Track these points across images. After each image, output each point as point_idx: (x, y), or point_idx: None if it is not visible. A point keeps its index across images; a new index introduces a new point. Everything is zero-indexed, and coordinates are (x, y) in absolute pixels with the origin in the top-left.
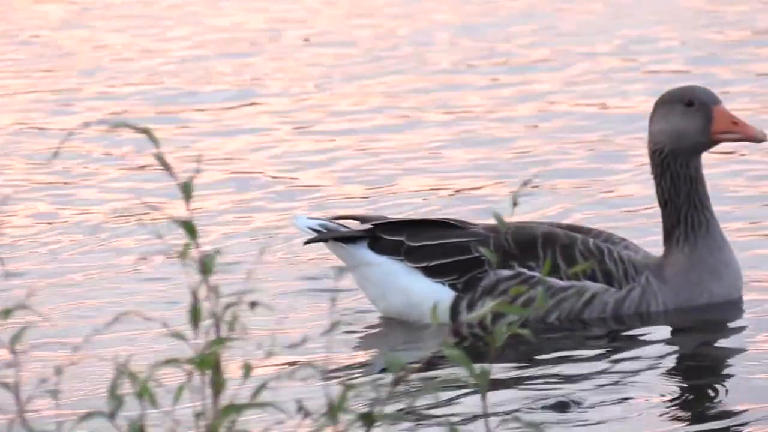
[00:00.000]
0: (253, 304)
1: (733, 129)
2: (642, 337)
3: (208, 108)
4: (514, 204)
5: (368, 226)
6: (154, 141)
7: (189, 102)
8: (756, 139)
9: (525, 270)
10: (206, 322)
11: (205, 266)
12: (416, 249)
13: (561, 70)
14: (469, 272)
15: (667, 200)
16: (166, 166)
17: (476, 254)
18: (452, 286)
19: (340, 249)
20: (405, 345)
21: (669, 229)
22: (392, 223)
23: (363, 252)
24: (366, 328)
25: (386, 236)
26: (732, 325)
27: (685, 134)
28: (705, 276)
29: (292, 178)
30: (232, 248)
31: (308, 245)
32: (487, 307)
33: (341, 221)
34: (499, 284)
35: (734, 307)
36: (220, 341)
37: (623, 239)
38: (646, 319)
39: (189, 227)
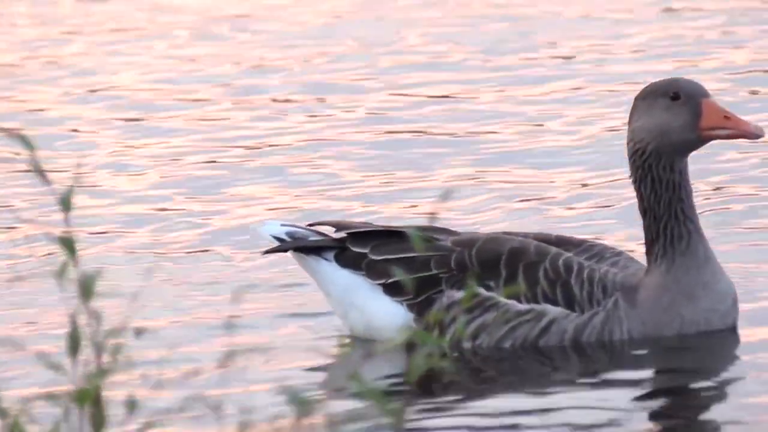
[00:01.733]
0: (139, 331)
1: (724, 124)
2: (599, 373)
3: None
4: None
5: (341, 234)
6: (29, 146)
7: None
8: (751, 134)
9: (482, 290)
10: (86, 351)
11: (86, 288)
12: (378, 263)
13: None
14: (425, 292)
15: (646, 209)
16: (42, 175)
17: (435, 271)
18: (409, 307)
19: (301, 260)
20: (318, 374)
21: (649, 243)
22: (364, 233)
23: (323, 265)
24: (293, 352)
25: (352, 247)
26: (709, 362)
27: (671, 131)
28: (677, 299)
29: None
30: (124, 269)
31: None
32: (399, 336)
33: (318, 228)
34: (451, 308)
35: (719, 339)
36: (101, 373)
37: (620, 254)
38: (609, 349)
39: (67, 243)
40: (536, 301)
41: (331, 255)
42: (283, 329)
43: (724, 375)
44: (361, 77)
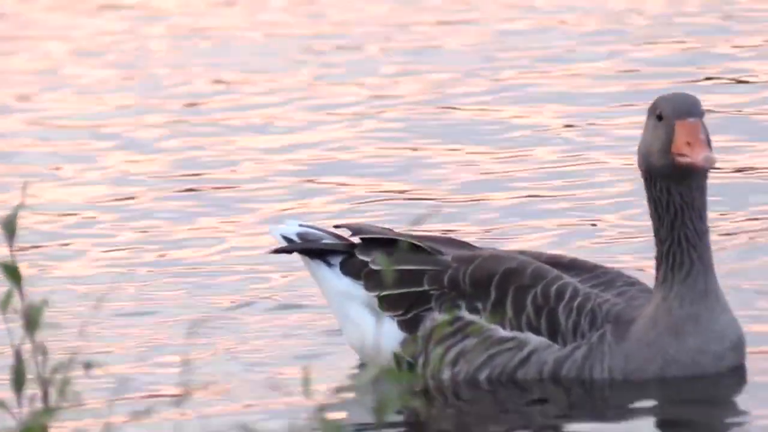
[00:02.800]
0: (88, 366)
1: (685, 151)
2: (571, 415)
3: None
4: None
5: (355, 239)
6: None
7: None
8: (699, 165)
9: (466, 314)
10: (31, 388)
11: (31, 320)
12: (376, 273)
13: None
14: (415, 308)
15: (654, 231)
16: None
17: (427, 287)
18: (399, 324)
19: (307, 263)
20: (280, 413)
21: (657, 268)
22: (377, 240)
23: (325, 270)
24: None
25: (359, 255)
26: (691, 412)
27: (652, 154)
28: (663, 333)
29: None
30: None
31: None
32: (366, 373)
33: (339, 231)
34: (434, 333)
35: (714, 384)
36: (47, 411)
37: (633, 284)
38: (589, 388)
39: (11, 271)
40: (520, 329)
41: (337, 261)
42: (244, 360)
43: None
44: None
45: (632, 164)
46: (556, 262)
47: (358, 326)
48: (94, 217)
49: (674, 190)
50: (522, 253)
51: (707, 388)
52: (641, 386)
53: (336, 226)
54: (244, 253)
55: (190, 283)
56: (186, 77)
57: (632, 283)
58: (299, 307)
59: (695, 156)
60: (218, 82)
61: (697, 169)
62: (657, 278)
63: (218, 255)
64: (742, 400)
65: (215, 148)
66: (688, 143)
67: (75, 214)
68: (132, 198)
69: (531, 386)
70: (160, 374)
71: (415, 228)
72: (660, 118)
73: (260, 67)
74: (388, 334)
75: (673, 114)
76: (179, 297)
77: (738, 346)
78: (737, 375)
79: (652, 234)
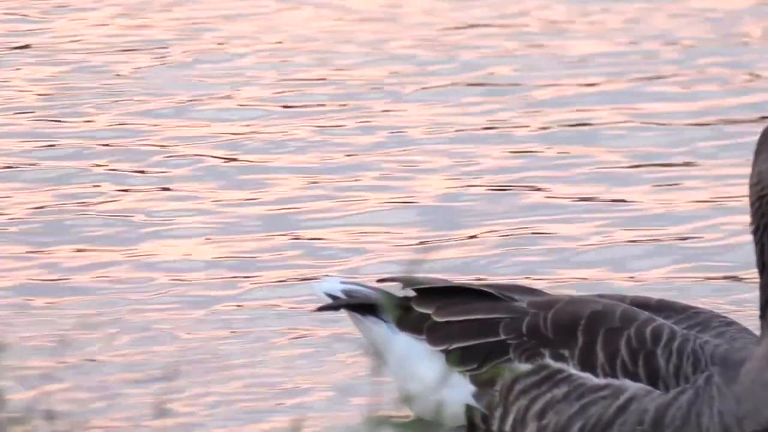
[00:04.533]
0: (50, 416)
1: None
2: None
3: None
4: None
5: (408, 292)
6: None
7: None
8: None
9: (552, 362)
10: None
11: None
12: (440, 326)
13: None
14: (490, 360)
15: (766, 264)
16: None
17: (503, 337)
18: (473, 380)
19: (357, 321)
20: None
21: (765, 305)
22: (432, 290)
23: (379, 327)
24: None
25: (416, 307)
26: None
27: None
28: None
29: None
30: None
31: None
32: None
33: (383, 285)
34: (517, 383)
35: None
36: None
37: (731, 324)
38: None
39: None
40: (614, 375)
41: (392, 317)
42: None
43: None
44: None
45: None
46: (643, 304)
47: (422, 384)
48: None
49: None
50: (601, 296)
51: None
52: None
53: (380, 281)
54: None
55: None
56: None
57: (729, 323)
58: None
59: None
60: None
61: None
62: (767, 316)
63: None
64: None
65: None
66: None
67: None
68: None
69: None
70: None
71: (424, 259)
72: None
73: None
74: (458, 388)
75: None
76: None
77: None
78: None
79: (758, 269)
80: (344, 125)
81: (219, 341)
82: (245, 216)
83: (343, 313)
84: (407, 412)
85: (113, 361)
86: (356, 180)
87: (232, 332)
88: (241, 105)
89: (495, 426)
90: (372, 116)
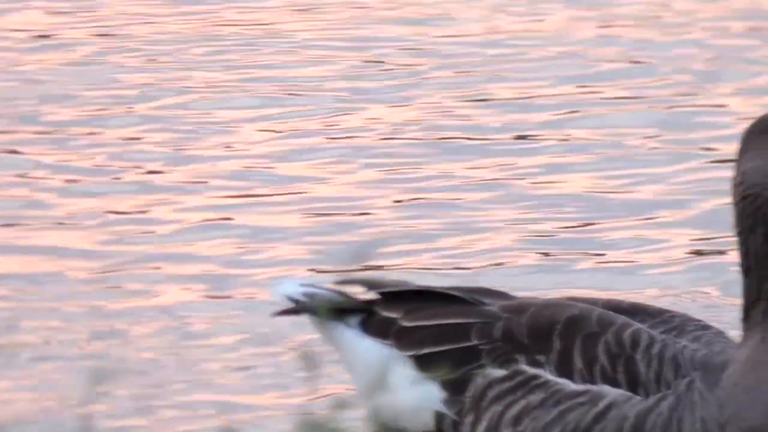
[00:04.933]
0: None
1: None
2: None
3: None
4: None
5: (371, 294)
6: None
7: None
8: None
9: (527, 368)
10: None
11: None
12: (409, 331)
13: None
14: (462, 366)
15: (750, 265)
16: None
17: (475, 342)
18: (443, 386)
19: (320, 325)
20: None
21: (748, 308)
22: (398, 294)
23: (345, 331)
24: None
25: (382, 311)
26: None
27: None
28: (765, 377)
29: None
30: None
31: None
32: None
33: (345, 288)
34: (490, 389)
35: None
36: None
37: (706, 327)
38: None
39: None
40: (593, 381)
41: (355, 320)
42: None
43: None
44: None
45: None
46: (617, 308)
47: (390, 391)
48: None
49: None
50: (572, 299)
51: None
52: None
53: (340, 282)
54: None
55: None
56: None
57: (704, 326)
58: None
59: None
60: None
61: None
62: (750, 318)
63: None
64: None
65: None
66: None
67: None
68: None
69: None
70: None
71: (360, 264)
72: None
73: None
74: (428, 394)
75: None
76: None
77: None
78: None
79: (742, 271)
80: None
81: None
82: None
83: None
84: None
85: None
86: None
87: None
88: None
89: (466, 431)
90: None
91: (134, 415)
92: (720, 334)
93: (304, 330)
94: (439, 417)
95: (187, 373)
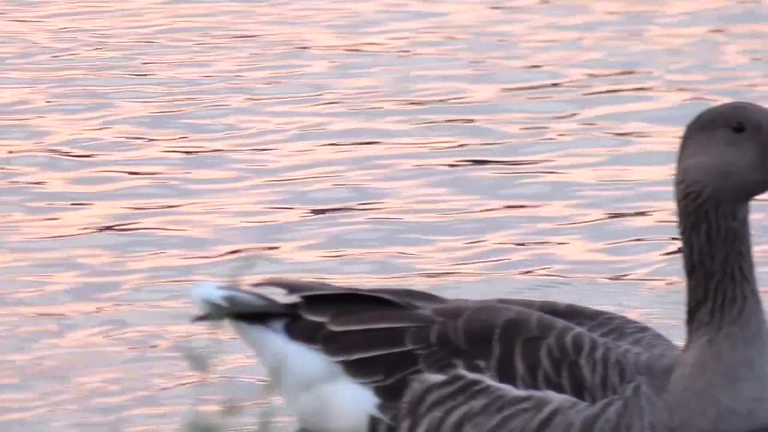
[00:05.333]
0: None
1: None
2: None
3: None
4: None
5: (294, 298)
6: None
7: None
8: None
9: (466, 372)
10: None
11: None
12: (338, 335)
13: None
14: (397, 372)
15: (695, 264)
16: None
17: (411, 347)
18: (377, 391)
19: (242, 330)
20: None
21: (693, 308)
22: (323, 298)
23: (269, 337)
24: None
25: (307, 315)
26: None
27: (733, 171)
28: (716, 380)
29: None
30: None
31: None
32: None
33: (265, 290)
34: (429, 394)
35: None
36: None
37: (645, 330)
38: None
39: None
40: (536, 387)
41: (280, 325)
42: None
43: None
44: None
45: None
46: (552, 310)
47: (319, 398)
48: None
49: (739, 214)
50: (503, 302)
51: None
52: None
53: (257, 285)
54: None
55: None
56: None
57: (643, 329)
58: None
59: None
60: None
61: None
62: (695, 321)
63: None
64: None
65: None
66: None
67: None
68: None
69: None
70: None
71: (244, 274)
72: (740, 129)
73: None
74: (361, 400)
75: (766, 123)
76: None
77: None
78: None
79: (686, 271)
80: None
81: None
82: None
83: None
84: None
85: None
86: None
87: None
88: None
89: None
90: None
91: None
92: (659, 336)
93: (195, 331)
94: (373, 422)
95: (71, 384)
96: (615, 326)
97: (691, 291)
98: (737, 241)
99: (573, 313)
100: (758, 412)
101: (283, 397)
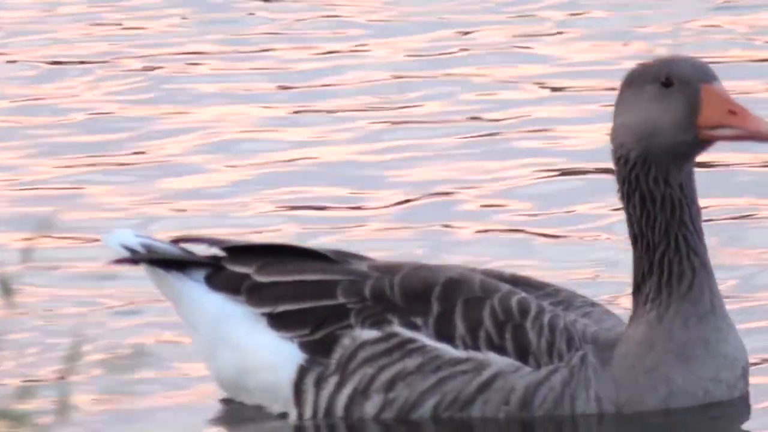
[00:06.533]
0: None
1: (727, 121)
2: None
3: None
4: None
5: (216, 251)
6: None
7: None
8: (764, 135)
9: (402, 329)
10: None
11: None
12: (263, 287)
13: None
14: (326, 326)
15: (636, 236)
16: None
17: (343, 300)
18: (303, 346)
19: (160, 278)
20: None
21: (638, 282)
22: (248, 249)
23: (188, 285)
24: None
25: (230, 267)
26: None
27: (659, 131)
28: (667, 359)
29: None
30: None
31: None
32: None
33: (186, 244)
34: (360, 350)
35: (722, 417)
36: None
37: (594, 305)
38: (570, 421)
39: None
40: (477, 348)
41: (200, 275)
42: None
43: None
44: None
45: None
46: (497, 277)
47: (240, 351)
48: None
49: (673, 179)
50: (446, 266)
51: (715, 420)
52: (636, 419)
53: (176, 240)
54: None
55: None
56: None
57: (593, 303)
58: None
59: (753, 126)
60: None
61: (762, 139)
62: (641, 294)
63: None
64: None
65: None
66: (731, 111)
67: None
68: None
69: (491, 419)
70: None
71: (43, 234)
72: (668, 84)
73: None
74: (285, 355)
75: (694, 78)
76: None
77: (747, 371)
78: (744, 404)
79: (631, 241)
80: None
81: None
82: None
83: None
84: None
85: None
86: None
87: None
88: None
89: (326, 395)
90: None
91: None
92: (608, 313)
93: None
94: (298, 379)
95: None
96: (563, 298)
97: (636, 263)
98: (677, 208)
99: (518, 282)
100: (714, 392)
101: (202, 353)
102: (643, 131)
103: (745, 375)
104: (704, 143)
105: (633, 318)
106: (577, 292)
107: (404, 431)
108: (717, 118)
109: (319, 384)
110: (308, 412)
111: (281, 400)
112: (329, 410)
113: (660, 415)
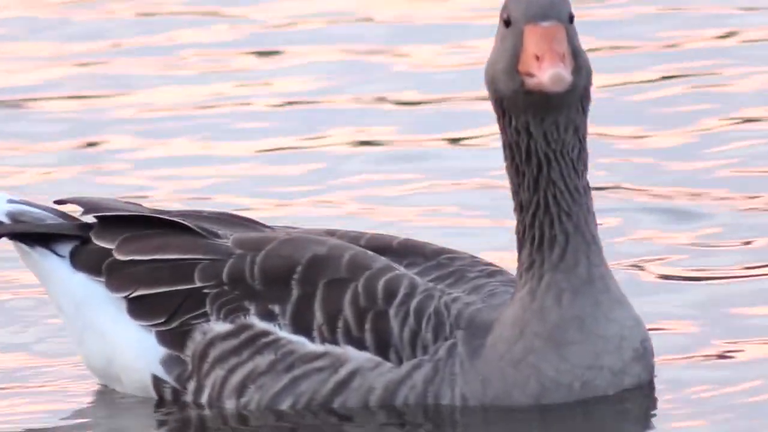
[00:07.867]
0: None
1: (531, 69)
2: None
3: None
4: None
5: (89, 218)
6: None
7: None
8: (543, 87)
9: (257, 321)
10: None
11: None
12: (123, 266)
13: None
14: (180, 314)
15: (513, 195)
16: None
17: (199, 284)
18: (159, 337)
19: (24, 253)
20: None
21: (520, 248)
22: (120, 219)
23: (52, 263)
24: None
25: (96, 240)
26: None
27: (497, 75)
28: (537, 346)
29: None
30: None
31: None
32: None
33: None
34: (212, 347)
35: (611, 411)
36: None
37: (493, 274)
38: (437, 420)
39: None
40: (335, 341)
41: (66, 249)
42: None
43: None
44: None
45: None
46: (383, 246)
47: (100, 339)
48: None
49: (535, 130)
50: (331, 233)
51: (602, 416)
52: (507, 417)
53: (58, 202)
54: None
55: None
56: None
57: (492, 272)
58: None
59: (541, 73)
60: None
61: (542, 88)
62: (520, 264)
63: None
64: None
65: None
66: (537, 56)
67: None
68: None
69: (352, 417)
70: None
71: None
72: (508, 23)
73: None
74: (145, 350)
75: (522, 16)
76: None
77: (643, 354)
78: (643, 396)
79: (511, 198)
80: None
81: None
82: None
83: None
84: None
85: None
86: None
87: None
88: None
89: (188, 397)
90: None
91: None
92: (510, 282)
93: None
94: (160, 377)
95: None
96: (456, 268)
97: (517, 224)
98: (543, 163)
99: (407, 251)
100: (593, 382)
101: (72, 338)
102: (488, 75)
103: (642, 358)
104: (529, 93)
105: (513, 294)
106: (480, 259)
107: (273, 420)
108: (527, 65)
109: (179, 382)
110: (176, 409)
111: (149, 395)
112: (196, 406)
113: (532, 412)
